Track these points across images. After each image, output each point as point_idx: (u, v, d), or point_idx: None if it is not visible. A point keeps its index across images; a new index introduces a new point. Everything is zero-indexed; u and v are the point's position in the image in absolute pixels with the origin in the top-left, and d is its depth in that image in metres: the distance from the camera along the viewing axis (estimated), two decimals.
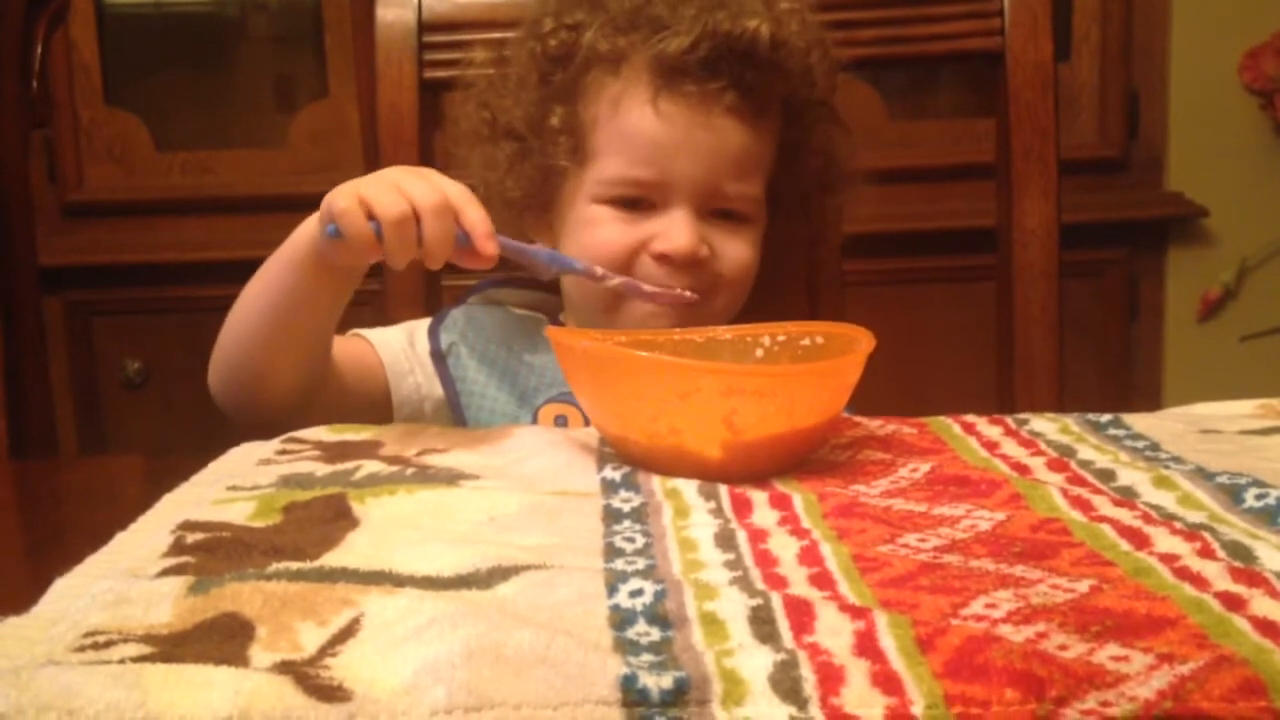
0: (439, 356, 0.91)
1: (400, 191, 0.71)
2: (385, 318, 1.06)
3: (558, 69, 0.90)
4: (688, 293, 0.86)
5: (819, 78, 0.93)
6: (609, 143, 0.88)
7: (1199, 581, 0.47)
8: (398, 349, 0.91)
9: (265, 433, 0.74)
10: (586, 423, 0.86)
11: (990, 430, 0.72)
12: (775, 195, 0.94)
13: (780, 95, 0.91)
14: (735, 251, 0.89)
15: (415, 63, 1.07)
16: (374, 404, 0.89)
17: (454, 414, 0.90)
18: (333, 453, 0.69)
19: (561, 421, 0.88)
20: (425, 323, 0.94)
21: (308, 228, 0.78)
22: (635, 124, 0.87)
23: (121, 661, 0.41)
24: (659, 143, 0.86)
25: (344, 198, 0.72)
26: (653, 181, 0.87)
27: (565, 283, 0.93)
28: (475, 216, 0.73)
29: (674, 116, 0.86)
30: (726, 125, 0.87)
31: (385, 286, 1.08)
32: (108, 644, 0.42)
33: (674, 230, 0.86)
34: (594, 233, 0.88)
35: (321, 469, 0.65)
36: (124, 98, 2.15)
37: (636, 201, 0.88)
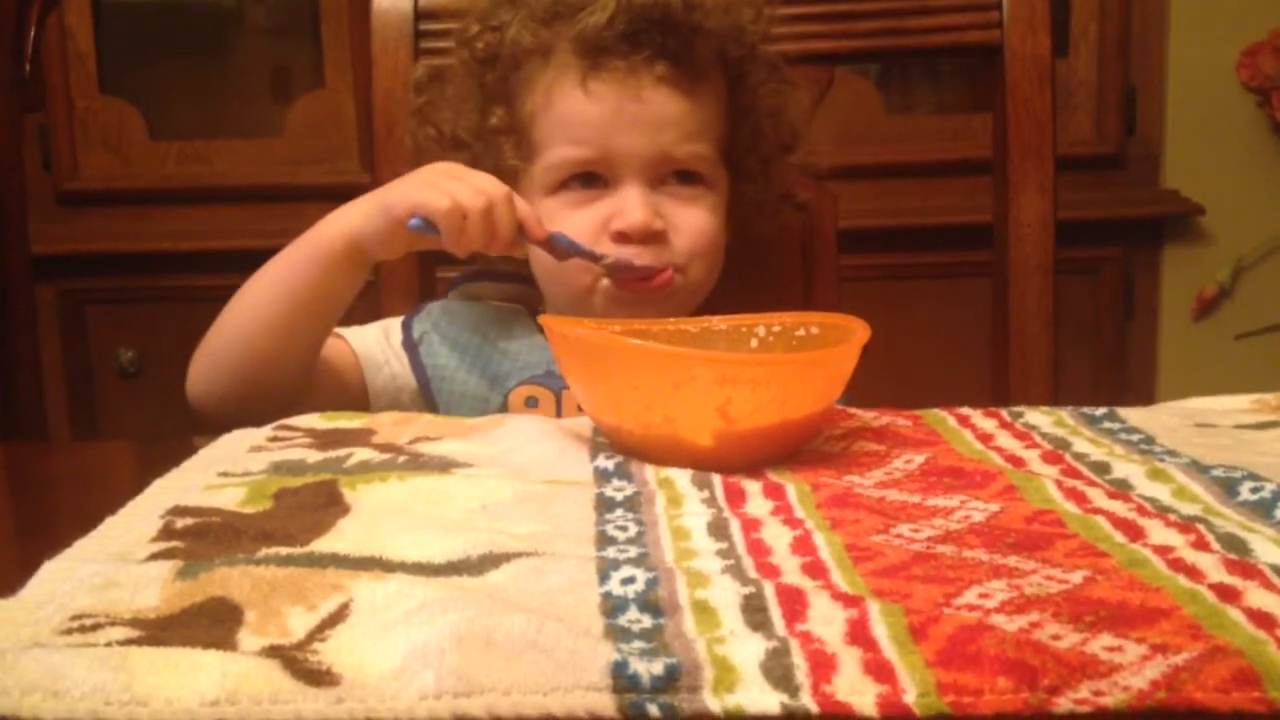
0: (411, 346, 0.92)
1: (474, 187, 0.81)
2: (379, 307, 1.06)
3: (488, 70, 0.92)
4: (668, 270, 0.88)
5: (751, 33, 0.94)
6: (548, 132, 0.90)
7: (1193, 573, 0.46)
8: (372, 342, 0.92)
9: (258, 421, 0.73)
10: (557, 404, 0.88)
11: (985, 423, 0.72)
12: (734, 161, 0.95)
13: (711, 57, 0.92)
14: (693, 220, 0.90)
15: (411, 51, 1.07)
16: (352, 399, 0.89)
17: (425, 398, 0.91)
18: (324, 440, 0.68)
19: (532, 403, 0.89)
20: (400, 318, 0.95)
21: (339, 222, 0.83)
22: (569, 108, 0.89)
23: (108, 644, 0.40)
24: (593, 121, 0.88)
25: (436, 194, 0.80)
26: (595, 159, 0.88)
27: (539, 275, 0.94)
28: (525, 206, 0.83)
29: (604, 94, 0.88)
30: (660, 95, 0.88)
31: (378, 279, 1.08)
32: (94, 627, 0.42)
33: (627, 207, 0.88)
34: (553, 228, 0.88)
35: (313, 456, 0.65)
36: (119, 86, 2.15)
37: (589, 181, 0.89)
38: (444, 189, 0.80)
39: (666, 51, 0.88)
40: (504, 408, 0.89)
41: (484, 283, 0.98)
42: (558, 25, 0.89)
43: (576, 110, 0.88)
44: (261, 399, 0.81)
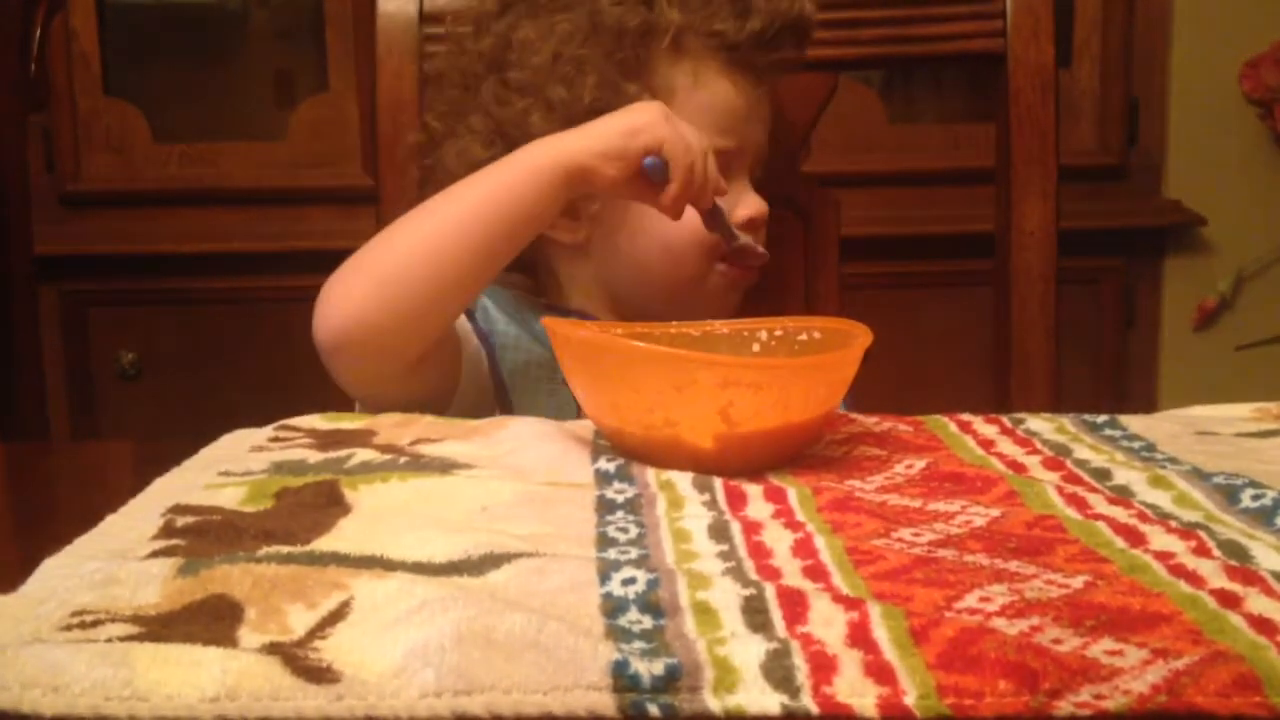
0: (468, 313, 0.91)
1: (695, 134, 0.80)
2: None
3: (639, 45, 0.92)
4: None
5: None
6: (694, 114, 0.89)
7: (1194, 579, 0.46)
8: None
9: (258, 423, 0.73)
10: None
11: (986, 429, 0.72)
12: None
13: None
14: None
15: (416, 54, 1.07)
16: (451, 369, 0.87)
17: (491, 369, 0.90)
18: (325, 440, 0.68)
19: None
20: None
21: (571, 143, 0.80)
22: (719, 95, 0.93)
23: (109, 640, 0.40)
24: (738, 112, 0.93)
25: (675, 134, 0.79)
26: (732, 149, 0.92)
27: (629, 256, 0.93)
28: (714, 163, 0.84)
29: (746, 88, 0.94)
30: (765, 95, 0.96)
31: None
32: (95, 623, 0.42)
33: (747, 196, 0.94)
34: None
35: (314, 456, 0.65)
36: (123, 88, 2.15)
37: None
38: (679, 131, 0.80)
39: (786, 57, 0.95)
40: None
41: None
42: (705, 11, 0.92)
43: (724, 98, 0.92)
44: (426, 330, 0.79)
